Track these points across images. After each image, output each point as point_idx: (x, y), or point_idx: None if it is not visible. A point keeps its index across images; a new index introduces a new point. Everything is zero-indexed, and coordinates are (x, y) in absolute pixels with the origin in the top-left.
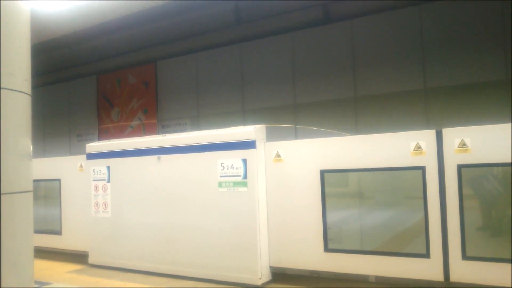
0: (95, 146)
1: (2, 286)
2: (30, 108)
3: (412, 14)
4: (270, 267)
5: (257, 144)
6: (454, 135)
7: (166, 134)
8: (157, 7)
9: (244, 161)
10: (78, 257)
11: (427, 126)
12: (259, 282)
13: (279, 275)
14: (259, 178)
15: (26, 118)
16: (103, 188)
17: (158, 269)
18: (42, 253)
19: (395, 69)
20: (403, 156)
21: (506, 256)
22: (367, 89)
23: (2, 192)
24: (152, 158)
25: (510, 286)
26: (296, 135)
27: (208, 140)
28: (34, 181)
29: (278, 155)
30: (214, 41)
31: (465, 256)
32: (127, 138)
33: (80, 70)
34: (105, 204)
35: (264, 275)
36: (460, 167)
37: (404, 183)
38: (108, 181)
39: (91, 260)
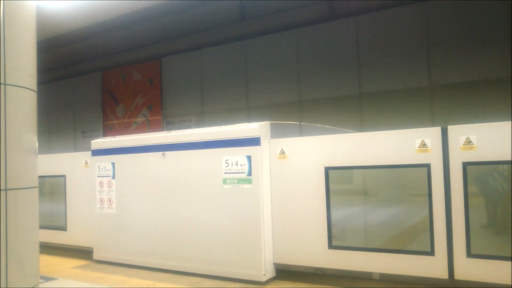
0: (100, 142)
1: (8, 281)
2: (35, 104)
3: (417, 11)
4: (274, 263)
5: (262, 141)
6: (459, 133)
7: (170, 131)
8: (162, 4)
9: (249, 158)
10: (83, 253)
11: (432, 123)
12: (263, 279)
13: (283, 271)
14: (264, 175)
15: (31, 114)
16: (108, 184)
17: (162, 265)
18: (48, 248)
19: (400, 66)
20: (408, 154)
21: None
22: (372, 86)
23: (7, 188)
24: (157, 155)
25: None
26: (300, 132)
27: (212, 137)
28: (40, 177)
29: (282, 152)
30: (218, 38)
31: (469, 254)
32: (132, 135)
33: (85, 66)
34: (110, 200)
35: (268, 272)
36: (465, 165)
37: (409, 180)
38: (113, 178)
39: (96, 256)
